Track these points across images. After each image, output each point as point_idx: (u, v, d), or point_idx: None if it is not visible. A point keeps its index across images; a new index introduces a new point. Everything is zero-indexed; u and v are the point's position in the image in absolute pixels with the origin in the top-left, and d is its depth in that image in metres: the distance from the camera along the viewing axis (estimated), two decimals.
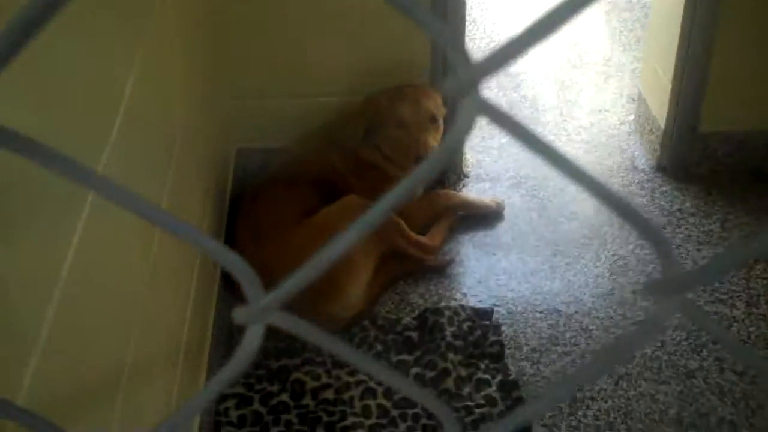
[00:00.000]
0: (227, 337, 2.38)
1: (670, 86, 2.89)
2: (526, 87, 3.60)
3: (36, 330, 1.07)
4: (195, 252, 2.13)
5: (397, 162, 2.68)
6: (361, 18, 2.71)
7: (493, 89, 3.57)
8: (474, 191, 3.00)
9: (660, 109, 3.00)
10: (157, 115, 1.83)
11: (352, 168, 2.70)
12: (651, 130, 3.09)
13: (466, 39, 3.85)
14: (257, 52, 2.76)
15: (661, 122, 2.99)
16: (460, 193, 2.97)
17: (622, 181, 3.02)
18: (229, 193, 2.75)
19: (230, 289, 2.43)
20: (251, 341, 0.48)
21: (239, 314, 0.47)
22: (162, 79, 1.90)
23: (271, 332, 1.84)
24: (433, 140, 2.62)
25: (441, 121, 2.68)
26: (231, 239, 2.54)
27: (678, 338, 2.39)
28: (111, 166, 1.37)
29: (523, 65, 3.75)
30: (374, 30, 2.74)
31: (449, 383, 2.22)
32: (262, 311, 0.46)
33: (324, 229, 2.42)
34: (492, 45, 3.93)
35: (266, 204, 2.57)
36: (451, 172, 3.00)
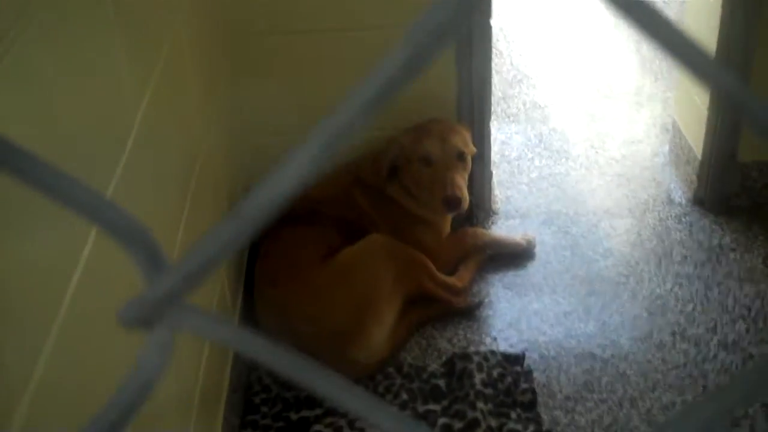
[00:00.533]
0: (246, 381, 2.27)
1: (706, 114, 2.77)
2: (555, 119, 3.49)
3: (29, 366, 0.97)
4: (213, 288, 2.04)
5: (422, 200, 2.59)
6: (382, 54, 2.62)
7: (521, 122, 3.46)
8: (504, 229, 2.88)
9: (696, 139, 2.88)
10: (171, 149, 1.74)
11: (376, 205, 2.60)
12: (687, 160, 2.96)
13: (493, 72, 3.77)
14: (274, 90, 2.68)
15: (698, 152, 2.86)
16: (489, 230, 2.85)
17: (659, 215, 2.89)
18: None
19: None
20: (152, 357, 0.34)
21: (129, 310, 0.34)
22: (177, 113, 1.81)
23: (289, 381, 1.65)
24: (461, 178, 2.54)
25: (469, 159, 2.59)
26: (251, 280, 2.44)
27: (722, 383, 2.25)
28: (119, 193, 1.28)
29: (551, 97, 3.65)
30: None
31: None
32: (161, 302, 0.33)
33: (347, 269, 2.34)
34: (518, 78, 3.83)
35: (286, 244, 2.45)
36: (479, 209, 2.89)
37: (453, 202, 2.50)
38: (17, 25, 0.98)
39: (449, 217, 2.69)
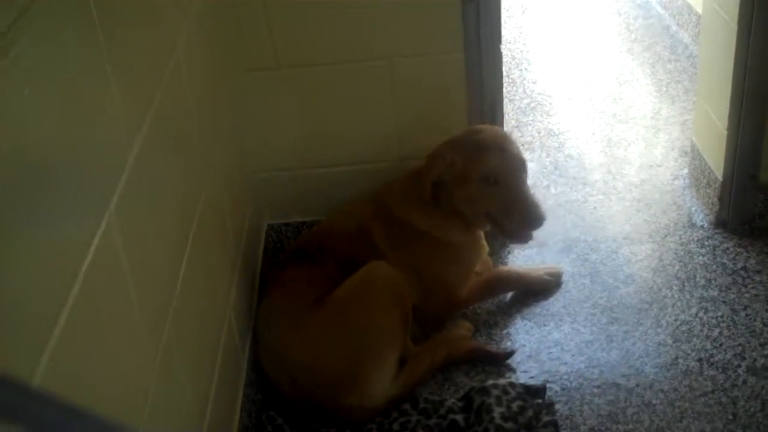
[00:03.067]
0: (257, 422, 2.20)
1: (726, 134, 2.69)
2: (570, 146, 3.42)
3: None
4: (218, 329, 1.97)
5: (480, 220, 2.45)
6: (391, 82, 2.59)
7: (536, 150, 3.40)
8: (521, 258, 2.81)
9: (716, 160, 2.81)
10: (171, 184, 1.69)
11: (396, 243, 2.43)
12: (708, 183, 2.89)
13: (505, 100, 3.72)
14: (277, 124, 2.65)
15: (719, 174, 2.79)
16: (515, 267, 2.75)
17: (680, 239, 2.81)
18: (259, 270, 2.61)
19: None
20: None
21: None
22: (176, 147, 1.76)
23: (304, 421, 1.55)
24: (530, 190, 2.42)
25: (527, 163, 2.45)
26: None
27: (752, 410, 2.15)
28: (111, 230, 1.23)
29: (565, 124, 3.59)
30: (404, 91, 2.60)
31: None
32: None
33: (342, 310, 2.20)
34: (532, 105, 3.77)
35: (287, 285, 2.34)
36: (496, 239, 2.82)
37: (539, 221, 2.36)
38: None
39: (484, 244, 2.59)
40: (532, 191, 2.43)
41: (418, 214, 2.45)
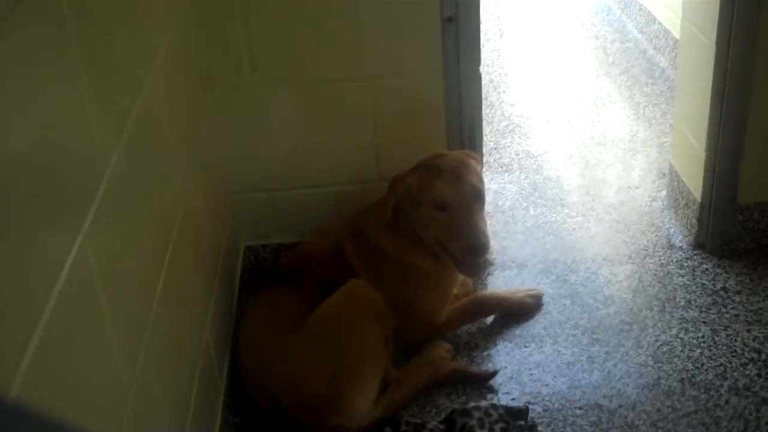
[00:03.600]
0: None
1: (704, 156, 2.70)
2: (548, 168, 3.43)
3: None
4: (196, 354, 1.94)
5: (435, 248, 2.42)
6: (372, 102, 2.57)
7: (514, 172, 3.40)
8: (500, 279, 2.80)
9: (695, 182, 2.81)
10: (147, 202, 1.66)
11: (368, 263, 2.42)
12: (686, 204, 2.89)
13: (484, 123, 3.72)
14: (261, 146, 2.62)
15: (697, 195, 2.80)
16: (496, 291, 2.73)
17: (659, 260, 2.81)
18: (237, 293, 2.57)
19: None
20: None
21: None
22: (153, 165, 1.74)
23: None
24: (481, 221, 2.37)
25: (484, 196, 2.42)
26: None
27: (735, 430, 2.14)
28: (86, 247, 1.20)
29: (544, 146, 3.59)
30: (384, 112, 2.59)
31: None
32: None
33: (322, 329, 2.18)
34: (510, 128, 3.78)
35: (265, 306, 2.33)
36: None
37: (478, 250, 2.31)
38: None
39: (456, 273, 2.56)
40: (482, 222, 2.38)
41: (387, 239, 2.44)
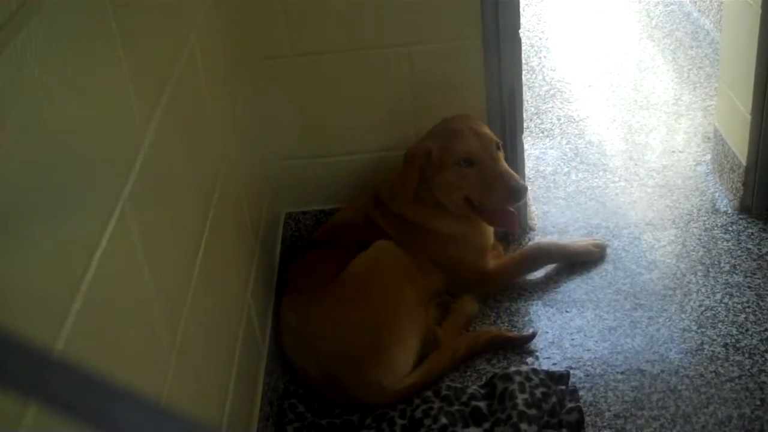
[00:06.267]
0: (278, 410, 2.19)
1: (749, 119, 2.65)
2: (590, 132, 3.39)
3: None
4: (238, 320, 1.96)
5: (464, 208, 2.43)
6: (409, 69, 2.56)
7: (555, 137, 3.37)
8: None
9: (740, 145, 2.76)
10: (186, 171, 1.67)
11: (399, 231, 2.46)
12: (731, 168, 2.85)
13: (525, 88, 3.69)
14: (295, 111, 2.63)
15: (742, 159, 2.75)
16: (555, 240, 2.73)
17: (704, 225, 2.77)
18: (278, 259, 2.59)
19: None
20: None
21: None
22: (191, 134, 1.75)
23: (326, 408, 1.56)
24: (508, 167, 2.39)
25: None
26: None
27: None
28: (126, 216, 1.21)
29: (586, 110, 3.55)
30: (422, 79, 2.58)
31: None
32: None
33: (360, 280, 2.23)
34: (552, 92, 3.74)
35: (306, 268, 2.38)
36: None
37: (518, 194, 2.33)
38: (8, 42, 0.92)
39: (488, 228, 2.56)
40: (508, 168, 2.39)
41: (410, 209, 2.47)
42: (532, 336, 2.37)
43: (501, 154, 2.41)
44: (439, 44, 2.53)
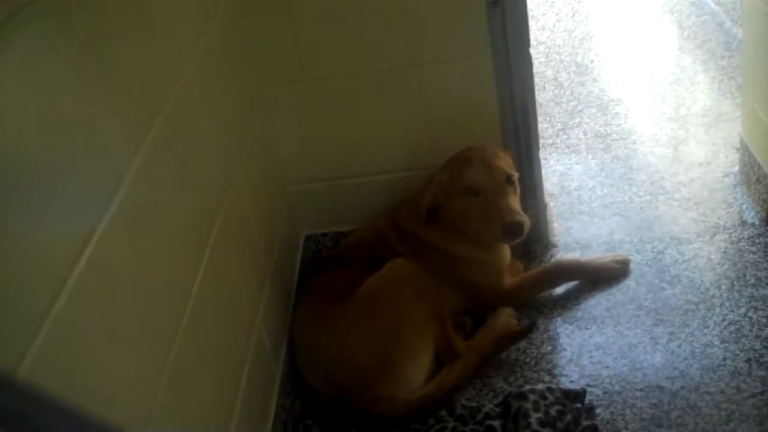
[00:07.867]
0: None
1: None
2: (617, 147, 3.36)
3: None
4: (245, 347, 1.98)
5: (476, 235, 2.44)
6: (420, 90, 2.57)
7: (581, 152, 3.34)
8: None
9: (765, 155, 2.71)
10: (179, 199, 1.69)
11: (414, 251, 2.47)
12: (758, 179, 2.79)
13: (552, 104, 3.67)
14: (315, 137, 2.65)
15: (767, 169, 2.70)
16: (575, 257, 2.72)
17: (730, 237, 2.72)
18: (296, 281, 2.61)
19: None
20: None
21: None
22: (186, 168, 1.77)
23: (341, 429, 1.55)
24: (515, 203, 2.39)
25: (517, 182, 2.45)
26: None
27: None
28: (106, 240, 1.24)
29: (613, 125, 3.52)
30: (434, 98, 2.58)
31: None
32: None
33: (370, 301, 2.23)
34: (579, 108, 3.71)
35: (318, 288, 2.40)
36: (536, 243, 2.77)
37: (514, 229, 2.33)
38: None
39: (506, 249, 2.56)
40: (516, 204, 2.40)
41: (426, 231, 2.50)
42: (533, 325, 2.40)
43: (513, 188, 2.41)
44: (449, 64, 2.54)
